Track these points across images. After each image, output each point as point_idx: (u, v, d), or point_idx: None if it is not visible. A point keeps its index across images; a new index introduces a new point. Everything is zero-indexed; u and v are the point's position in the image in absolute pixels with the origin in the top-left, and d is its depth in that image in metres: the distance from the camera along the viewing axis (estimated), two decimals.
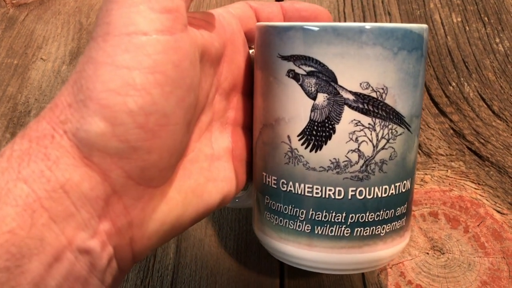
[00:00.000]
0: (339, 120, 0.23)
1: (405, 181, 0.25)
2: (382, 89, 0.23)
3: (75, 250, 0.18)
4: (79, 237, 0.18)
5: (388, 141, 0.24)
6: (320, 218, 0.25)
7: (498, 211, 0.35)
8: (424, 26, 0.24)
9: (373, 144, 0.24)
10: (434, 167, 0.38)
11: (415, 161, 0.26)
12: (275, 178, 0.25)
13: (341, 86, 0.23)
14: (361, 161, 0.24)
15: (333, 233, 0.25)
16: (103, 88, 0.18)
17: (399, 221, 0.26)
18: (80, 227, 0.18)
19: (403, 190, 0.25)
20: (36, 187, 0.17)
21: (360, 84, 0.23)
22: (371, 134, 0.24)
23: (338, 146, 0.24)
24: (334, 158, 0.24)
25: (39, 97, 0.43)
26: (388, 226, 0.25)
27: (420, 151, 0.39)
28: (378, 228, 0.25)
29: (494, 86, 0.44)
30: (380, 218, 0.25)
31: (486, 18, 0.49)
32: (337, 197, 0.24)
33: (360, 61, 0.23)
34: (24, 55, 0.47)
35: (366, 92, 0.23)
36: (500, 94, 0.43)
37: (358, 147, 0.24)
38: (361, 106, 0.23)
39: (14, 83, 0.45)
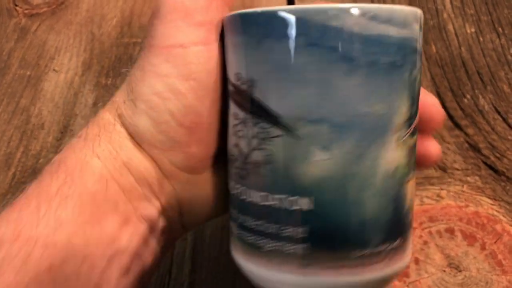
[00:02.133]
0: (228, 112, 0.22)
1: (296, 197, 0.20)
2: (250, 81, 0.21)
3: (139, 216, 0.22)
4: (141, 206, 0.22)
5: (261, 141, 0.20)
6: (246, 224, 0.22)
7: None
8: (304, 7, 0.19)
9: (246, 141, 0.21)
10: (450, 182, 0.38)
11: (328, 179, 0.20)
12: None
13: (227, 78, 0.22)
14: (240, 158, 0.21)
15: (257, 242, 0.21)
16: (148, 92, 0.22)
17: (288, 244, 0.20)
18: (141, 199, 0.22)
19: (290, 208, 0.20)
20: (107, 162, 0.22)
21: (235, 74, 0.21)
22: (245, 130, 0.21)
23: (229, 138, 0.23)
24: (229, 150, 0.23)
25: (52, 110, 0.43)
26: (272, 243, 0.21)
27: (436, 165, 0.39)
28: (259, 240, 0.21)
29: (510, 98, 0.43)
30: (260, 229, 0.21)
31: (500, 29, 0.49)
32: (232, 191, 0.23)
33: (234, 52, 0.21)
34: (36, 66, 0.47)
35: (238, 83, 0.21)
36: None
37: (238, 142, 0.22)
38: (235, 97, 0.22)
39: (27, 95, 0.45)
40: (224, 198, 0.24)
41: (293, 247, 0.20)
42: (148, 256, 0.23)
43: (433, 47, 0.48)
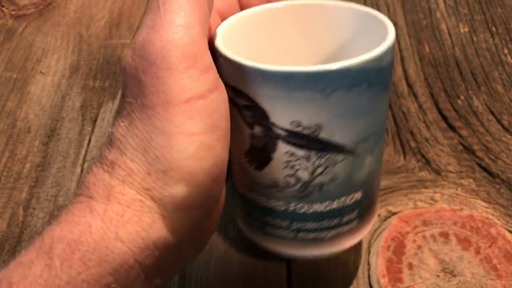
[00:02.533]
0: (274, 150, 0.24)
1: (352, 194, 0.26)
2: (316, 126, 0.23)
3: None
4: (158, 282, 0.21)
5: (326, 167, 0.24)
6: (267, 221, 0.27)
7: (510, 231, 0.34)
8: (373, 56, 0.22)
9: (309, 171, 0.24)
10: (444, 185, 0.37)
11: (370, 173, 0.26)
12: (233, 183, 0.28)
13: (272, 123, 0.23)
14: (299, 184, 0.25)
15: (278, 234, 0.27)
16: (181, 157, 0.20)
17: (347, 225, 0.27)
18: (162, 275, 0.21)
19: (350, 203, 0.26)
20: (131, 245, 0.20)
21: (291, 122, 0.23)
22: (307, 163, 0.24)
23: (275, 171, 0.25)
24: (274, 180, 0.25)
25: (39, 113, 0.43)
26: (333, 231, 0.27)
27: (429, 168, 0.38)
28: (321, 233, 0.27)
29: (503, 99, 0.43)
30: (322, 226, 0.26)
31: (494, 28, 0.49)
32: (280, 208, 0.26)
33: (289, 104, 0.22)
34: (23, 69, 0.46)
35: (297, 129, 0.23)
36: (510, 107, 0.42)
37: (295, 173, 0.24)
38: (293, 140, 0.23)
39: (13, 98, 0.44)
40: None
41: (348, 226, 0.27)
42: None
43: (426, 47, 0.47)
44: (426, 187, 0.37)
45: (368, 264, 0.33)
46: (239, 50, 0.25)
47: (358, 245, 0.34)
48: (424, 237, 0.34)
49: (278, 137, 0.23)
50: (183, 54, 0.20)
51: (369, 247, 0.33)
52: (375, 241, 0.34)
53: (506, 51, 0.47)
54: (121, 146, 0.21)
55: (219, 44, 0.24)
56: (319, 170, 0.24)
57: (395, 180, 0.37)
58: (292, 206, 0.26)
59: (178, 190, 0.20)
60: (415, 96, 0.43)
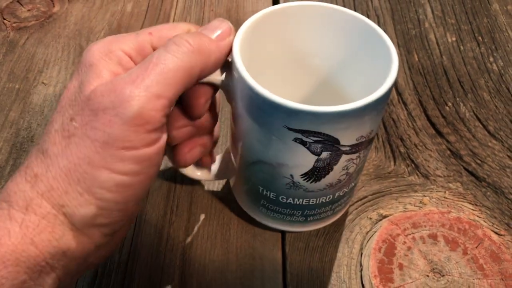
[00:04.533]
0: (336, 163, 0.28)
1: (358, 178, 0.34)
2: (370, 132, 0.28)
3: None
4: (68, 280, 0.25)
5: (365, 156, 0.30)
6: (312, 213, 0.33)
7: (496, 232, 0.36)
8: (391, 84, 0.27)
9: (356, 165, 0.30)
10: (433, 189, 0.39)
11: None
12: (275, 194, 0.31)
13: (342, 145, 0.27)
14: (347, 177, 0.30)
15: (321, 217, 0.34)
16: (99, 186, 0.23)
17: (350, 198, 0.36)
18: (70, 275, 0.25)
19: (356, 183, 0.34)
20: (44, 251, 0.23)
21: (356, 138, 0.27)
22: (357, 161, 0.29)
23: (333, 176, 0.29)
24: (330, 183, 0.30)
25: (41, 122, 0.44)
26: (350, 196, 0.35)
27: (418, 172, 0.40)
28: (347, 200, 0.35)
29: (489, 106, 0.44)
30: (348, 196, 0.34)
31: (480, 38, 0.50)
32: (327, 200, 0.32)
33: (358, 126, 0.26)
34: (25, 80, 0.48)
35: (360, 141, 0.28)
36: (495, 114, 0.44)
37: (347, 171, 0.30)
38: (354, 150, 0.28)
39: (16, 108, 0.45)
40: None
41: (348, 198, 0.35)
42: None
43: (416, 56, 0.49)
44: (416, 191, 0.38)
45: (360, 265, 0.34)
46: (258, 53, 0.30)
47: (351, 247, 0.35)
48: (413, 239, 0.36)
49: (343, 153, 0.27)
50: (140, 114, 0.23)
51: (361, 249, 0.35)
52: (367, 243, 0.35)
53: (491, 59, 0.48)
54: (49, 163, 0.24)
55: (285, 102, 0.25)
56: (361, 160, 0.30)
57: (386, 184, 0.39)
58: (337, 194, 0.32)
59: (88, 211, 0.24)
60: (405, 103, 0.45)
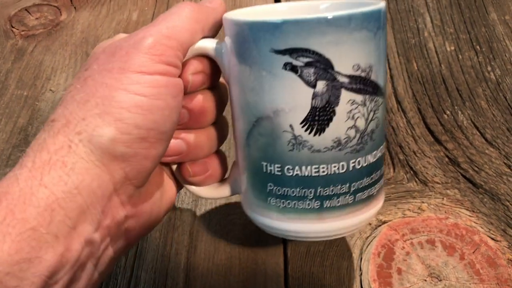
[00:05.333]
0: (338, 102, 0.26)
1: (384, 143, 0.30)
2: (369, 67, 0.26)
3: (82, 242, 0.23)
4: (86, 230, 0.23)
5: (374, 112, 0.27)
6: (327, 193, 0.27)
7: (492, 238, 0.37)
8: (384, 3, 0.27)
9: (365, 118, 0.27)
10: (431, 195, 0.40)
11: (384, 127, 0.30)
12: (279, 165, 0.28)
13: (337, 72, 0.25)
14: (358, 135, 0.27)
15: (339, 204, 0.28)
16: (117, 106, 0.23)
17: (383, 178, 0.30)
18: (88, 221, 0.23)
19: (383, 151, 0.29)
20: (55, 190, 0.22)
21: (353, 66, 0.25)
22: (363, 109, 0.27)
23: (338, 126, 0.26)
24: (336, 137, 0.27)
25: None
26: (378, 185, 0.29)
27: (417, 179, 0.41)
28: (372, 189, 0.29)
29: (487, 114, 0.45)
30: (372, 181, 0.29)
31: (478, 47, 0.51)
32: (341, 171, 0.27)
33: (351, 46, 0.25)
34: (33, 87, 0.49)
35: (357, 73, 0.26)
36: (492, 122, 0.45)
37: (355, 123, 0.27)
38: (354, 86, 0.26)
39: (24, 114, 0.46)
40: (162, 204, 0.28)
41: (383, 180, 0.30)
42: (83, 283, 0.23)
43: (415, 64, 0.50)
44: (414, 197, 0.39)
45: (360, 269, 0.35)
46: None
47: (351, 252, 0.36)
48: (412, 244, 0.36)
49: (341, 86, 0.26)
50: (155, 45, 0.25)
51: (361, 254, 0.36)
52: (366, 248, 0.36)
53: (489, 68, 0.49)
54: (67, 102, 0.24)
55: (269, 18, 0.25)
56: (371, 115, 0.27)
57: (385, 191, 0.40)
58: (352, 163, 0.27)
59: (106, 131, 0.23)
60: (404, 111, 0.46)
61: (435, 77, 0.49)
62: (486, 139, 0.43)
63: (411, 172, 0.41)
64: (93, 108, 0.23)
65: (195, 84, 0.28)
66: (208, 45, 0.28)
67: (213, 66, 0.29)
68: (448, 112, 0.46)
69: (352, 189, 0.28)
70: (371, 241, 0.37)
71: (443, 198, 0.39)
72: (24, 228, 0.20)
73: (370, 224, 0.38)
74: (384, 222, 0.38)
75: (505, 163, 0.42)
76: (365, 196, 0.28)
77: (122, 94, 0.24)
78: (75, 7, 0.57)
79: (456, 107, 0.46)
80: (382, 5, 0.27)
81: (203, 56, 0.29)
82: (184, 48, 0.27)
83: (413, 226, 0.37)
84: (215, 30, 0.29)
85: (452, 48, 0.52)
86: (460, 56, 0.51)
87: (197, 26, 0.27)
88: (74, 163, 0.22)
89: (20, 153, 0.43)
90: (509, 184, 0.40)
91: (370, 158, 0.28)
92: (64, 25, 0.55)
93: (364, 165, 0.28)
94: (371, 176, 0.28)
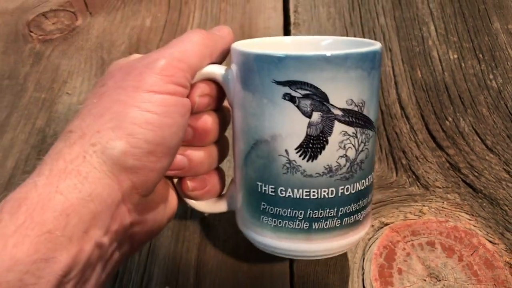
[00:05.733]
0: (331, 132, 0.28)
1: (372, 173, 0.32)
2: (361, 103, 0.28)
3: (93, 244, 0.24)
4: (96, 234, 0.24)
5: (364, 144, 0.29)
6: (316, 216, 0.30)
7: (490, 241, 0.38)
8: (380, 46, 0.30)
9: (355, 148, 0.29)
10: (432, 199, 0.41)
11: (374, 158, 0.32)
12: (273, 186, 0.30)
13: (332, 105, 0.28)
14: (348, 164, 0.29)
15: (327, 226, 0.30)
16: (130, 122, 0.25)
17: (370, 205, 0.32)
18: (98, 226, 0.24)
19: (372, 180, 0.32)
20: (70, 196, 0.23)
21: (346, 101, 0.28)
22: (354, 141, 0.29)
23: (330, 154, 0.28)
24: (328, 165, 0.29)
25: None
26: (365, 211, 0.32)
27: (418, 183, 0.42)
28: (359, 215, 0.31)
29: (488, 121, 0.47)
30: (359, 207, 0.31)
31: (481, 55, 0.53)
32: (330, 196, 0.29)
33: (346, 83, 0.28)
34: (50, 90, 0.51)
35: (350, 107, 0.28)
36: (493, 129, 0.46)
37: (346, 152, 0.29)
38: (347, 119, 0.28)
39: (42, 116, 0.48)
40: (165, 214, 0.30)
41: (370, 207, 0.33)
42: (92, 283, 0.25)
43: (419, 72, 0.52)
44: (416, 201, 0.41)
45: (362, 269, 0.37)
46: None
47: (354, 252, 0.38)
48: (412, 245, 0.38)
49: (335, 118, 0.28)
50: (167, 67, 0.27)
51: (363, 254, 0.37)
52: (368, 248, 0.38)
53: (491, 76, 0.51)
54: (84, 115, 0.26)
55: (273, 51, 0.28)
56: (361, 146, 0.29)
57: (388, 194, 0.41)
58: (341, 189, 0.29)
59: (118, 145, 0.25)
60: (407, 118, 0.48)
61: (438, 85, 0.50)
62: (486, 146, 0.45)
63: (413, 176, 0.43)
64: (107, 122, 0.25)
65: (201, 105, 0.31)
66: (216, 70, 0.31)
67: (219, 90, 0.31)
68: (450, 119, 0.47)
69: (340, 213, 0.30)
70: (374, 242, 0.38)
71: (443, 202, 0.41)
72: (42, 231, 0.22)
73: (372, 226, 0.39)
74: (386, 224, 0.39)
75: (504, 169, 0.43)
76: (351, 221, 0.31)
77: (134, 110, 0.26)
78: (90, 13, 0.60)
79: (458, 114, 0.48)
80: (377, 47, 0.29)
81: (211, 80, 0.31)
82: (193, 70, 0.29)
83: (414, 228, 0.39)
84: (223, 57, 0.32)
85: (456, 56, 0.53)
86: (463, 64, 0.52)
87: (206, 51, 0.29)
88: (88, 172, 0.24)
89: (37, 154, 0.45)
90: (508, 189, 0.41)
91: (359, 186, 0.30)
92: (80, 30, 0.57)
93: (353, 192, 0.30)
94: (358, 203, 0.31)
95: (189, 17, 0.59)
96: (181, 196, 0.33)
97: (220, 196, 0.35)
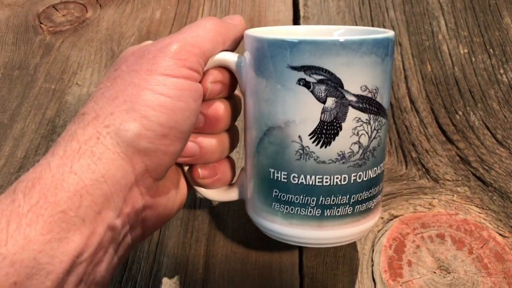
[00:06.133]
0: (345, 118, 0.28)
1: (383, 161, 0.32)
2: (375, 89, 0.28)
3: (105, 226, 0.24)
4: (109, 216, 0.24)
5: (377, 131, 0.30)
6: (328, 202, 0.30)
7: (500, 234, 0.38)
8: (393, 33, 0.30)
9: (368, 135, 0.29)
10: (442, 192, 0.41)
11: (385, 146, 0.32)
12: (285, 173, 0.30)
13: (346, 90, 0.28)
14: (361, 151, 0.29)
15: (339, 213, 0.30)
16: (144, 104, 0.25)
17: (381, 194, 0.32)
18: (111, 208, 0.24)
19: (383, 169, 0.32)
20: (84, 177, 0.23)
21: (361, 87, 0.28)
22: (367, 127, 0.29)
23: (344, 141, 0.28)
24: (341, 151, 0.29)
25: None
26: (376, 199, 0.32)
27: (428, 176, 0.42)
28: (370, 202, 0.31)
29: (498, 115, 0.47)
30: (371, 195, 0.31)
31: (491, 50, 0.53)
32: (342, 183, 0.29)
33: (360, 68, 0.28)
34: (60, 81, 0.51)
35: (364, 93, 0.28)
36: (504, 123, 0.46)
37: (359, 139, 0.29)
38: (361, 105, 0.28)
39: (52, 107, 0.48)
40: (176, 200, 0.30)
41: (381, 196, 0.33)
42: (105, 265, 0.25)
43: (429, 66, 0.51)
44: (425, 194, 0.41)
45: (372, 260, 0.36)
46: None
47: (363, 244, 0.38)
48: (422, 238, 0.38)
49: (349, 104, 0.28)
50: (180, 51, 0.27)
51: (373, 246, 0.37)
52: (378, 240, 0.38)
53: (502, 71, 0.51)
54: (97, 98, 0.26)
55: (288, 37, 0.28)
56: (374, 133, 0.29)
57: (397, 186, 0.41)
58: (353, 176, 0.29)
59: (132, 127, 0.25)
60: (417, 111, 0.47)
61: (448, 79, 0.50)
62: (497, 139, 0.45)
63: (423, 169, 0.43)
64: (121, 105, 0.25)
65: (213, 92, 0.31)
66: (229, 57, 0.31)
67: (231, 78, 0.31)
68: (460, 113, 0.47)
69: (352, 200, 0.30)
70: (383, 234, 0.38)
71: (453, 195, 0.41)
72: (55, 211, 0.22)
73: (382, 218, 0.39)
74: (396, 217, 0.39)
75: None
76: (363, 209, 0.31)
77: (148, 93, 0.26)
78: (100, 5, 0.60)
79: (468, 108, 0.47)
80: (391, 34, 0.30)
81: (223, 67, 0.31)
82: (206, 56, 0.29)
83: (423, 221, 0.39)
84: (235, 45, 0.32)
85: (466, 51, 0.53)
86: (473, 59, 0.52)
87: (218, 38, 0.30)
88: (102, 153, 0.24)
89: (48, 143, 0.45)
90: None
91: (371, 173, 0.30)
92: (90, 22, 0.57)
93: (365, 179, 0.30)
94: (370, 191, 0.31)
95: (199, 10, 0.59)
96: (192, 184, 0.33)
97: (230, 185, 0.35)
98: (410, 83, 0.50)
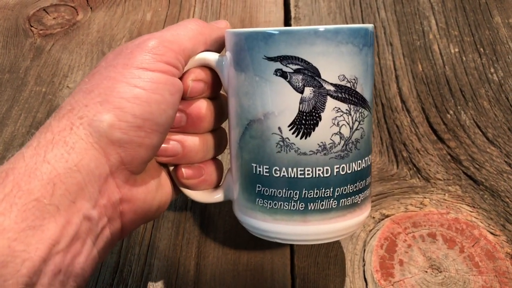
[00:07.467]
0: (323, 108, 0.28)
1: (369, 155, 0.31)
2: (354, 79, 0.28)
3: (81, 216, 0.24)
4: (84, 207, 0.25)
5: (359, 123, 0.29)
6: (312, 196, 0.29)
7: (491, 233, 0.38)
8: (372, 25, 0.30)
9: (350, 126, 0.29)
10: (433, 191, 0.41)
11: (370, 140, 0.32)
12: (267, 166, 0.29)
13: (323, 80, 0.28)
14: (342, 142, 0.29)
15: (323, 207, 0.29)
16: (118, 96, 0.26)
17: (368, 189, 0.32)
18: (86, 198, 0.25)
19: (369, 163, 0.31)
20: (57, 166, 0.24)
21: (338, 76, 0.28)
22: (348, 118, 0.29)
23: (324, 131, 0.28)
24: (322, 142, 0.28)
25: None
26: (363, 194, 0.31)
27: (420, 175, 0.42)
28: (356, 197, 0.30)
29: (489, 114, 0.47)
30: (357, 189, 0.30)
31: (482, 49, 0.53)
32: (325, 175, 0.29)
33: (337, 57, 0.28)
34: (51, 84, 0.51)
35: (342, 83, 0.28)
36: (494, 122, 0.46)
37: (339, 130, 0.29)
38: (340, 95, 0.28)
39: (43, 110, 0.48)
40: (157, 197, 0.30)
41: (368, 190, 0.32)
42: (83, 257, 0.25)
43: (420, 66, 0.52)
44: (417, 193, 0.41)
45: (363, 260, 0.36)
46: None
47: (355, 243, 0.38)
48: (413, 237, 0.38)
49: (327, 93, 0.28)
50: (158, 46, 0.27)
51: (364, 246, 0.37)
52: (369, 240, 0.38)
53: (492, 70, 0.51)
54: (74, 93, 0.26)
55: (263, 28, 0.28)
56: (356, 125, 0.29)
57: (389, 186, 0.41)
58: (336, 168, 0.29)
59: (105, 117, 0.25)
60: (408, 111, 0.47)
61: (439, 78, 0.50)
62: (487, 138, 0.45)
63: (414, 169, 0.43)
64: (96, 97, 0.26)
65: (195, 91, 0.31)
66: (210, 56, 0.31)
67: (214, 78, 0.31)
68: (451, 112, 0.47)
69: (336, 194, 0.29)
70: (375, 233, 0.38)
71: (444, 194, 0.41)
72: (29, 199, 0.22)
73: (373, 217, 0.39)
74: (387, 216, 0.39)
75: (505, 162, 0.43)
76: (349, 203, 0.30)
77: (123, 86, 0.26)
78: (91, 8, 0.59)
79: (459, 107, 0.48)
80: (369, 26, 0.29)
81: (206, 67, 0.31)
82: (185, 54, 0.29)
83: (415, 220, 0.39)
84: (218, 46, 0.32)
85: (456, 50, 0.53)
86: (464, 58, 0.52)
87: (200, 37, 0.30)
88: (74, 142, 0.24)
89: None
90: (509, 181, 0.41)
91: (355, 166, 0.30)
92: (81, 24, 0.57)
93: (349, 172, 0.29)
94: (355, 184, 0.30)
95: (190, 12, 0.59)
96: (178, 185, 0.33)
97: (216, 186, 0.34)
98: (401, 83, 0.50)
